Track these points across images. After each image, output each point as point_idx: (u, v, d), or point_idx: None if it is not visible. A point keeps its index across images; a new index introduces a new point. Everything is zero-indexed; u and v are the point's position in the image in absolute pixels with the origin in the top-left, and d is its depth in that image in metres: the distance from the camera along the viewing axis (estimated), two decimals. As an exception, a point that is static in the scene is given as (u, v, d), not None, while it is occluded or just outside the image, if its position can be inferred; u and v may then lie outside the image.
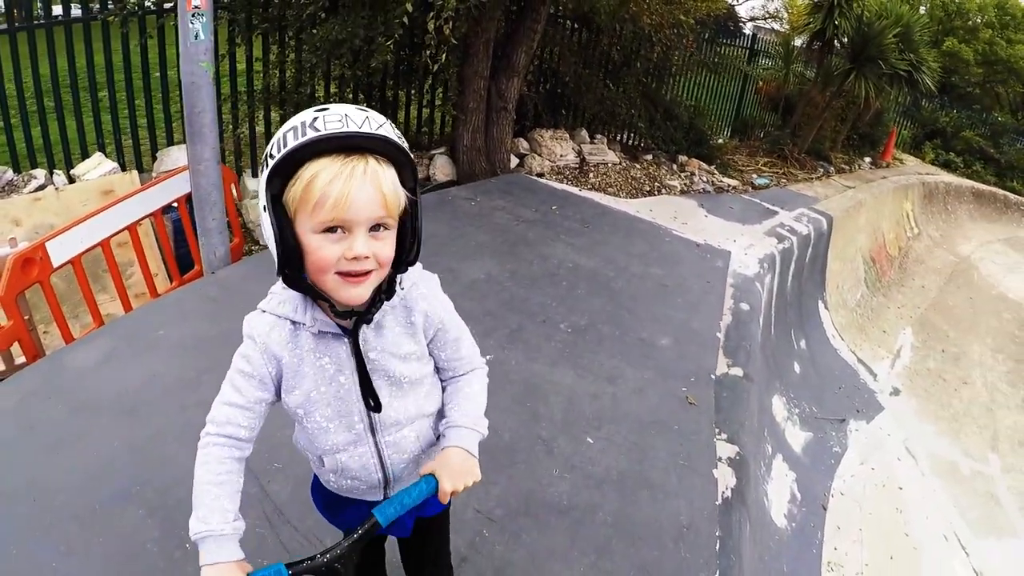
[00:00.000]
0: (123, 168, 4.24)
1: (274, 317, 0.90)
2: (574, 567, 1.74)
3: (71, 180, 4.07)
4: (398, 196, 0.82)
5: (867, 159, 8.85)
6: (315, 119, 0.77)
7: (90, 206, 3.31)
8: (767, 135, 7.83)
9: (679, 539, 1.91)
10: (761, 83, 9.02)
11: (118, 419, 1.97)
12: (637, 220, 4.72)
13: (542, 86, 6.14)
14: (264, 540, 1.61)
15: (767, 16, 10.51)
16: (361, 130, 0.77)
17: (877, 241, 7.07)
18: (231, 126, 4.50)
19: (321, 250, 0.79)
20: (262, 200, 0.81)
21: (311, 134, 0.76)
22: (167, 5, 4.09)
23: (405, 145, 0.82)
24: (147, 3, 4.08)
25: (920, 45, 7.21)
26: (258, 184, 0.83)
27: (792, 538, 2.79)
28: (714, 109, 8.31)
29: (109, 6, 3.94)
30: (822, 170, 7.58)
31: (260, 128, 4.71)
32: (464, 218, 4.06)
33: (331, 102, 4.84)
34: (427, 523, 1.12)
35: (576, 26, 6.08)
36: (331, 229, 0.78)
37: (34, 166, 4.10)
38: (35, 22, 3.87)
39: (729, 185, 6.23)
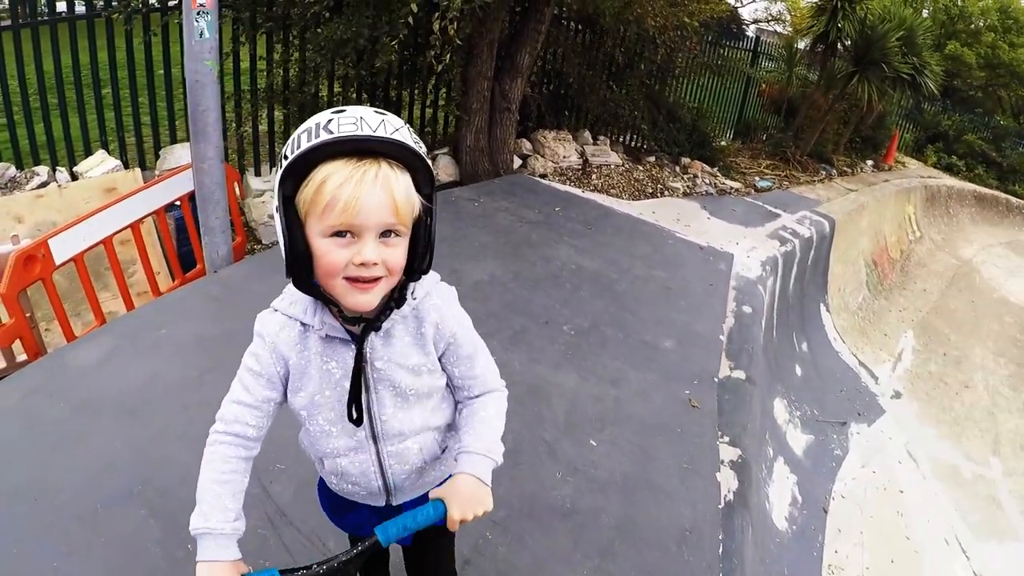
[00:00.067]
0: (126, 166, 4.23)
1: (285, 317, 0.89)
2: (577, 570, 1.73)
3: (74, 177, 4.07)
4: (411, 202, 0.80)
5: (869, 162, 8.84)
6: (330, 121, 0.76)
7: (93, 204, 3.31)
8: (770, 137, 7.83)
9: (682, 542, 1.91)
10: (764, 85, 9.02)
11: (120, 418, 1.97)
12: (640, 222, 4.72)
13: (545, 87, 6.13)
14: (266, 541, 1.60)
15: (770, 18, 10.51)
16: (375, 134, 0.75)
17: (879, 244, 7.06)
18: (234, 125, 4.49)
19: (330, 254, 0.78)
20: (275, 201, 0.80)
21: (324, 136, 0.75)
22: (171, 3, 4.08)
23: (422, 150, 0.80)
24: (151, 0, 4.08)
25: (923, 48, 7.21)
26: (273, 185, 0.83)
27: (793, 541, 2.79)
28: (717, 111, 8.30)
29: (113, 3, 3.92)
30: (824, 173, 7.58)
31: (263, 127, 4.71)
32: (467, 219, 4.05)
33: (335, 101, 4.88)
34: (430, 532, 1.10)
35: (580, 27, 6.07)
36: (340, 233, 0.77)
37: (37, 163, 4.10)
38: (39, 18, 3.86)
39: (732, 187, 6.22)
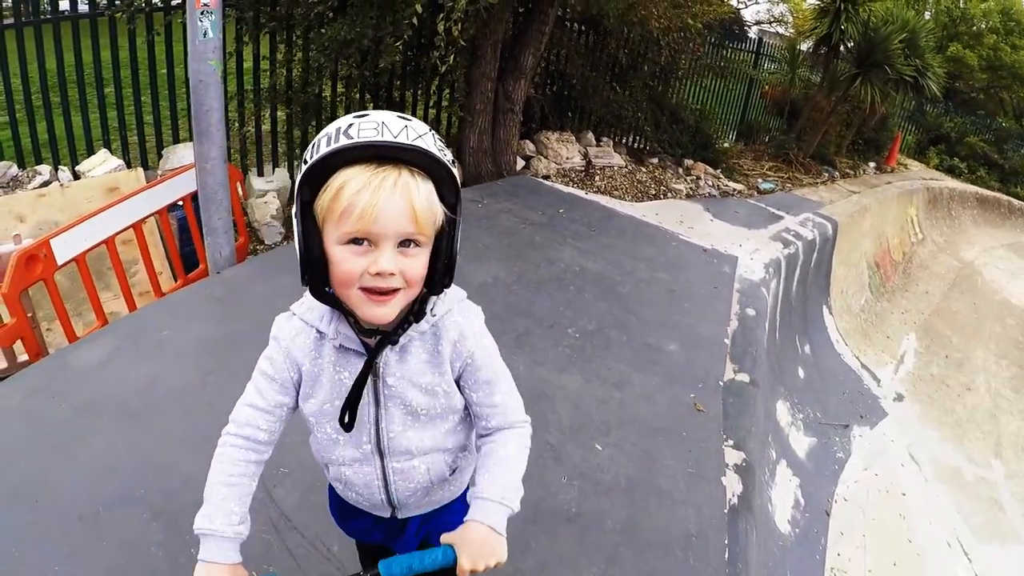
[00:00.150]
0: (128, 165, 4.22)
1: (302, 323, 0.87)
2: (583, 575, 1.72)
3: (76, 177, 4.05)
4: (432, 212, 0.77)
5: (871, 164, 8.84)
6: (350, 125, 0.74)
7: (95, 203, 3.30)
8: (772, 139, 7.82)
9: (688, 547, 1.90)
10: (767, 87, 9.01)
11: (122, 420, 1.95)
12: (643, 224, 4.71)
13: (549, 88, 6.12)
14: (270, 546, 1.59)
15: (772, 20, 10.50)
16: (396, 140, 0.73)
17: (881, 246, 7.05)
18: (237, 124, 4.48)
19: (345, 263, 0.75)
20: (294, 206, 0.78)
21: (343, 141, 0.73)
22: (175, 2, 4.07)
23: (447, 158, 0.77)
24: (155, 0, 4.07)
25: (926, 51, 7.21)
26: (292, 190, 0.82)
27: (796, 544, 2.78)
28: (720, 113, 8.29)
29: (116, 2, 3.91)
30: (827, 175, 7.57)
31: (266, 127, 4.70)
32: (470, 220, 4.04)
33: (338, 102, 4.87)
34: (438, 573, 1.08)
35: (583, 28, 6.06)
36: (357, 241, 0.75)
37: (39, 162, 4.09)
38: (42, 17, 3.85)
39: (735, 189, 6.22)
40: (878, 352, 5.45)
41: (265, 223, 4.22)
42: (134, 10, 3.81)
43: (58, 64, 3.90)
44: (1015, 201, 10.67)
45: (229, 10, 3.92)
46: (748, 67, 8.59)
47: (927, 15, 11.03)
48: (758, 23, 10.17)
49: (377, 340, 0.84)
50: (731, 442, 2.45)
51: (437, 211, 0.78)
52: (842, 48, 7.15)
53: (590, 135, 6.19)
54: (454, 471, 0.98)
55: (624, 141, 6.74)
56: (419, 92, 5.38)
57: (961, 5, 12.40)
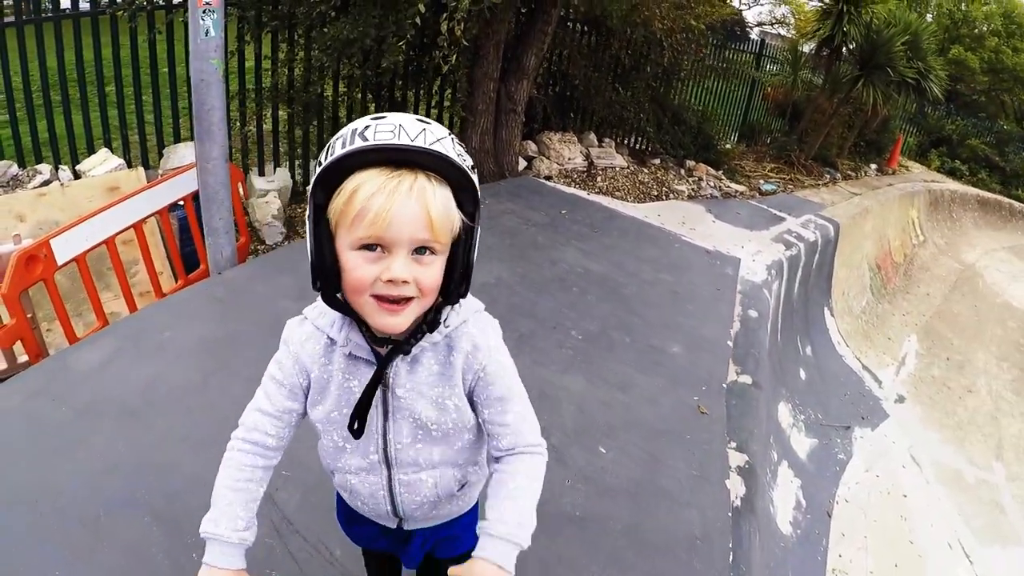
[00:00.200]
0: (129, 165, 4.20)
1: (313, 328, 0.85)
2: (588, 579, 1.71)
3: (76, 176, 4.04)
4: (449, 219, 0.74)
5: (873, 166, 8.83)
6: (366, 128, 0.71)
7: (95, 203, 3.28)
8: (774, 141, 7.82)
9: (692, 550, 1.89)
10: (768, 89, 9.01)
11: (123, 422, 1.94)
12: (646, 225, 4.70)
13: (551, 88, 6.11)
14: (272, 550, 1.58)
15: (774, 21, 10.49)
16: (413, 143, 0.70)
17: (883, 248, 7.05)
18: (238, 124, 4.46)
19: (357, 269, 0.73)
20: (307, 209, 0.77)
21: (358, 143, 0.70)
22: (176, 1, 4.06)
23: (466, 164, 0.74)
24: (156, -2, 4.05)
25: (928, 53, 7.21)
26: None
27: (797, 545, 2.77)
28: (721, 114, 8.29)
29: (117, 0, 3.90)
30: (828, 176, 7.57)
31: (267, 126, 4.68)
32: (472, 220, 4.02)
33: (340, 102, 4.85)
34: (438, 563, 1.06)
35: (586, 29, 6.06)
36: (370, 247, 0.72)
37: (39, 161, 4.07)
38: (43, 15, 3.84)
39: (736, 191, 6.21)
40: (879, 354, 5.45)
41: (266, 223, 4.21)
42: (135, 8, 3.79)
43: (59, 62, 3.88)
44: (1016, 204, 10.68)
45: (231, 9, 3.91)
46: (750, 68, 8.59)
47: (928, 17, 11.02)
48: (760, 24, 10.17)
49: (389, 349, 0.81)
50: (734, 444, 2.44)
51: (454, 218, 0.75)
52: (844, 50, 7.14)
53: (592, 136, 6.18)
54: (463, 486, 0.96)
55: (626, 142, 6.73)
56: (421, 92, 5.37)
57: (963, 8, 12.42)
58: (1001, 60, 11.93)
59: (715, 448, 2.37)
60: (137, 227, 3.03)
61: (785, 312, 4.39)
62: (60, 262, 2.61)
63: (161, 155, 4.43)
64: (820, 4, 7.29)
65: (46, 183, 3.82)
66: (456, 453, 0.91)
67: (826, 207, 6.27)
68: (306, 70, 4.45)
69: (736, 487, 2.21)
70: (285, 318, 0.90)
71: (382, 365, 0.82)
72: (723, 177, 6.43)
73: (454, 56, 3.60)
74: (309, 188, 0.77)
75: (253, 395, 0.91)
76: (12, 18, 3.74)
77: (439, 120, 5.65)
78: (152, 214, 3.13)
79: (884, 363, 5.29)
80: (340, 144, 0.72)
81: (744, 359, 3.09)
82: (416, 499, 0.92)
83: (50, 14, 3.87)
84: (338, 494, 1.05)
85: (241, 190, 3.70)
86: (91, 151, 4.21)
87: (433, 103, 5.55)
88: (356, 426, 0.84)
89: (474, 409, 0.87)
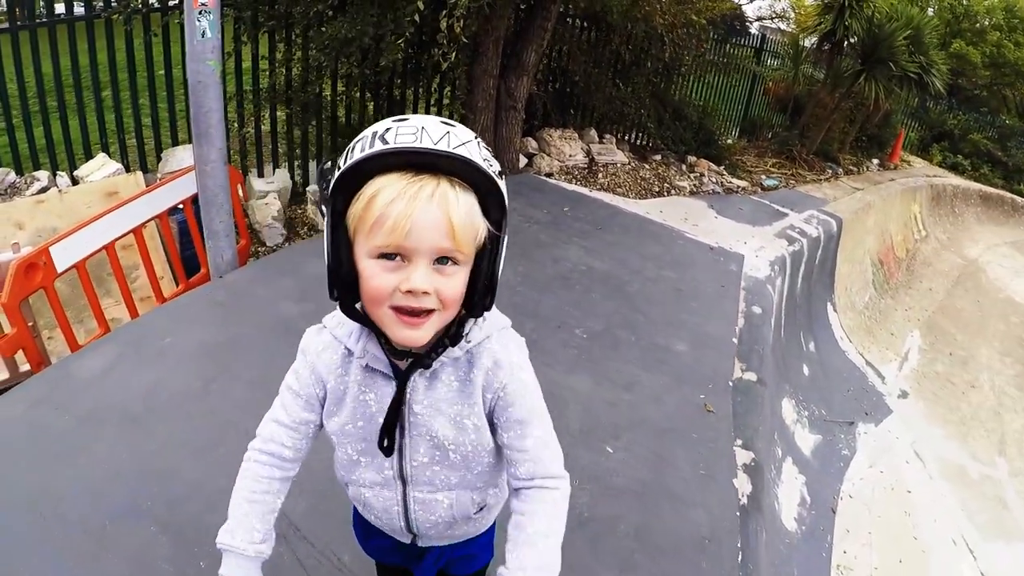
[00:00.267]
0: (127, 169, 4.18)
1: (331, 337, 0.82)
2: (597, 582, 1.69)
3: (74, 182, 4.01)
4: (473, 227, 0.70)
5: (875, 161, 8.80)
6: (388, 130, 0.68)
7: (94, 208, 3.26)
8: (775, 136, 7.78)
9: (701, 551, 1.87)
10: (770, 83, 8.97)
11: (125, 429, 1.92)
12: (648, 222, 4.67)
13: (551, 85, 6.08)
14: (280, 557, 1.56)
15: (774, 16, 10.45)
16: (435, 147, 0.66)
17: (885, 243, 7.03)
18: (236, 125, 4.44)
19: (375, 278, 0.69)
20: (326, 215, 0.73)
21: (378, 146, 0.67)
22: (171, 2, 4.03)
23: (493, 169, 0.70)
24: (151, 0, 4.02)
25: (930, 47, 7.16)
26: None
27: (802, 541, 2.77)
28: (722, 109, 8.26)
29: (112, 4, 3.87)
30: (830, 171, 7.53)
31: (266, 127, 4.66)
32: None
33: (338, 101, 4.83)
34: None
35: (586, 25, 6.02)
36: (389, 256, 0.69)
37: (37, 168, 4.04)
38: (37, 21, 3.80)
39: (738, 186, 6.18)
40: (882, 349, 5.43)
41: (266, 224, 4.19)
42: (131, 11, 3.76)
43: (54, 68, 3.85)
44: (1019, 199, 10.65)
45: (227, 9, 3.88)
46: (751, 63, 8.55)
47: (930, 11, 10.96)
48: (760, 19, 10.13)
49: (409, 363, 0.78)
50: (739, 442, 2.43)
51: (478, 226, 0.71)
52: (846, 44, 7.11)
53: (593, 132, 6.14)
54: (482, 509, 0.93)
55: (627, 138, 6.70)
56: (420, 90, 5.34)
57: (964, 2, 12.35)
58: (1003, 54, 11.87)
59: (722, 447, 2.36)
60: (137, 232, 3.01)
61: (788, 308, 4.37)
62: (60, 269, 2.58)
63: (159, 158, 4.40)
64: (821, -1, 7.25)
65: (44, 190, 3.80)
66: (475, 477, 0.87)
67: (828, 202, 6.25)
68: (304, 70, 4.42)
69: (743, 485, 2.20)
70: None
71: (402, 380, 0.79)
72: (725, 173, 6.40)
73: (453, 53, 3.57)
74: (328, 192, 0.74)
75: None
76: (6, 24, 3.71)
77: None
78: (151, 218, 3.11)
79: (887, 359, 5.28)
80: (360, 147, 0.69)
81: (748, 356, 3.08)
82: (431, 518, 0.89)
83: (44, 20, 3.83)
84: (354, 506, 1.03)
85: (240, 192, 3.67)
86: (89, 156, 4.18)
87: (433, 101, 5.52)
88: (386, 444, 0.82)
89: (493, 432, 0.83)
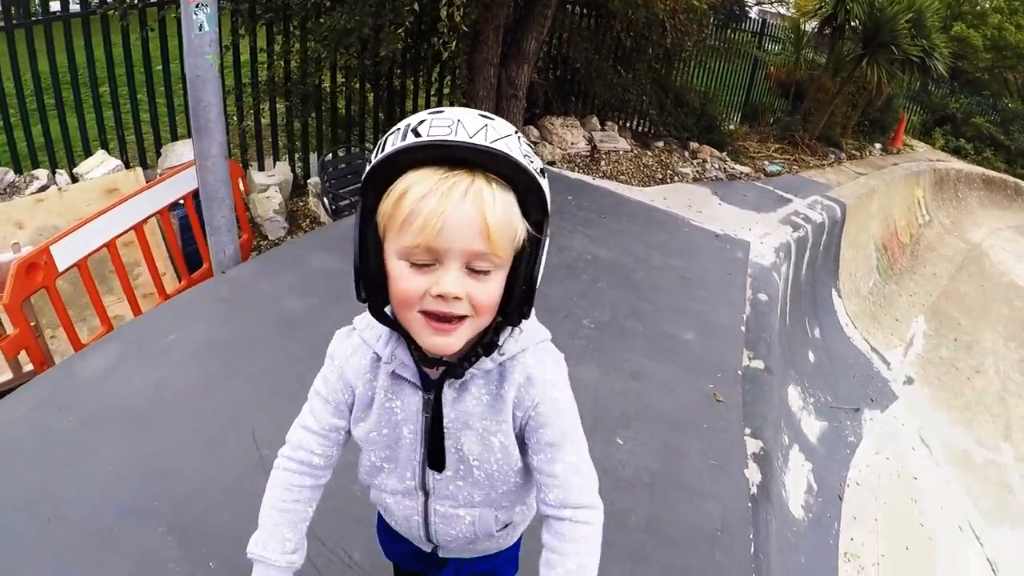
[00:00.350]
0: (127, 165, 4.15)
1: (360, 340, 0.78)
2: (608, 574, 1.68)
3: (74, 179, 3.98)
4: (511, 228, 0.65)
5: (877, 145, 8.74)
6: (421, 122, 0.64)
7: (94, 206, 3.24)
8: (777, 121, 7.72)
9: (713, 542, 1.86)
10: (771, 68, 8.89)
11: (129, 429, 1.90)
12: (653, 209, 4.64)
13: (552, 73, 6.03)
14: (290, 554, 1.54)
15: (773, 0, 10.34)
16: (471, 140, 0.61)
17: (889, 228, 6.99)
18: (236, 119, 4.40)
19: (404, 280, 0.65)
20: (356, 212, 0.69)
21: (411, 139, 0.63)
22: (167, -4, 3.98)
23: (534, 166, 0.65)
24: (147, -6, 3.97)
25: (932, 31, 7.08)
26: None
27: (809, 529, 2.77)
28: (724, 95, 8.19)
29: (108, 0, 3.82)
30: (833, 156, 7.48)
31: (265, 120, 4.62)
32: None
33: (338, 92, 4.78)
34: None
35: (586, 11, 5.96)
36: (418, 261, 0.64)
37: (36, 166, 4.01)
38: (33, 18, 3.76)
39: (741, 172, 6.14)
40: (887, 335, 5.41)
41: (268, 218, 4.16)
42: (127, 7, 3.71)
43: (51, 65, 3.81)
44: (1022, 182, 10.58)
45: (224, 2, 3.84)
46: (752, 48, 8.46)
47: (930, -8, 10.82)
48: (759, 3, 10.02)
49: (441, 372, 0.73)
50: (748, 430, 2.41)
51: (517, 227, 0.66)
52: (847, 28, 7.03)
53: (594, 120, 6.09)
54: (506, 527, 0.89)
55: (629, 125, 6.65)
56: (420, 80, 5.29)
57: (964, -17, 12.21)
58: (1004, 37, 11.74)
59: (732, 436, 2.34)
60: (138, 228, 2.99)
61: (793, 294, 4.35)
62: (61, 268, 2.56)
63: (159, 154, 4.37)
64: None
65: (43, 188, 3.77)
66: (500, 496, 0.83)
67: (832, 188, 6.21)
68: (303, 62, 4.37)
69: (752, 474, 2.19)
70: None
71: (435, 391, 0.75)
72: (727, 159, 6.35)
73: (453, 42, 3.53)
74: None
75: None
76: (2, 23, 3.67)
77: (440, 108, 5.57)
78: (152, 214, 3.09)
79: (892, 344, 5.26)
80: (392, 140, 0.64)
81: (756, 344, 3.06)
82: (452, 532, 0.86)
83: (40, 17, 3.78)
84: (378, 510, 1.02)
85: (241, 186, 3.64)
86: (88, 153, 4.15)
87: (433, 91, 5.47)
88: (437, 462, 0.78)
89: (523, 452, 0.78)
